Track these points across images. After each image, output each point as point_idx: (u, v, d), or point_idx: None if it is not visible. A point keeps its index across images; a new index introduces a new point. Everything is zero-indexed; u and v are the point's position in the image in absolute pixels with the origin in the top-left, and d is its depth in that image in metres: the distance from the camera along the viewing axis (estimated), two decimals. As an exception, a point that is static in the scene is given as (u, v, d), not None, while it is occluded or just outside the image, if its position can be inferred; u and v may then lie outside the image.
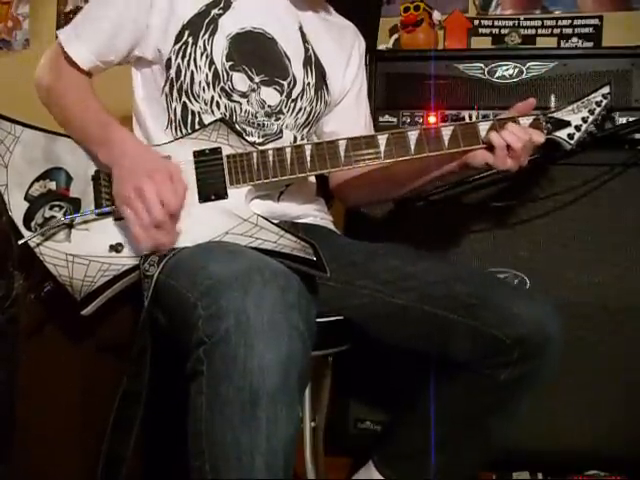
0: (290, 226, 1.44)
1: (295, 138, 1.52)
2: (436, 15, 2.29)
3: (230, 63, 1.42)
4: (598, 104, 1.41)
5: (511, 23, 2.32)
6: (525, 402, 1.37)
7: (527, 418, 1.56)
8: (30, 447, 1.39)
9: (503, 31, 2.32)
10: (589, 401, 1.77)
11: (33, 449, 1.40)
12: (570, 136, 1.40)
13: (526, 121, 1.37)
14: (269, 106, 1.46)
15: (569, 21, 2.28)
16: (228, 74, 1.42)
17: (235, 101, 1.43)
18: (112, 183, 1.30)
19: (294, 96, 1.49)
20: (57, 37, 1.45)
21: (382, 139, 1.35)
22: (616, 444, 1.77)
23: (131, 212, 1.25)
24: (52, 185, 1.36)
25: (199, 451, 1.03)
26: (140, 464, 1.46)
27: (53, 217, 1.33)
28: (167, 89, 1.45)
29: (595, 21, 2.25)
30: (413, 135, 1.35)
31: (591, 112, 1.40)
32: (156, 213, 1.23)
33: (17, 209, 1.34)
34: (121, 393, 1.21)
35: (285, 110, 1.48)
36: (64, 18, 2.60)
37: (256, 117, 1.45)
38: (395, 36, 2.31)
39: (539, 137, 1.35)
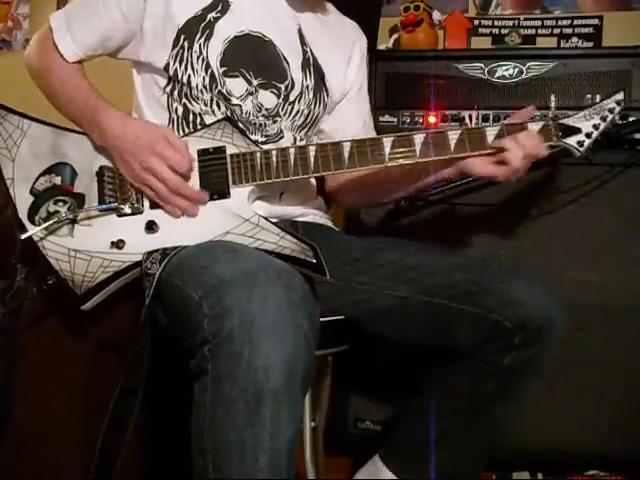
0: (290, 225, 1.44)
1: (295, 139, 1.52)
2: (436, 15, 2.29)
3: (224, 69, 1.42)
4: (611, 111, 1.37)
5: (511, 23, 2.32)
6: (528, 389, 1.37)
7: (527, 418, 1.57)
8: (29, 440, 1.39)
9: (503, 31, 2.32)
10: (589, 401, 1.77)
11: (32, 442, 1.40)
12: (580, 143, 1.36)
13: (535, 126, 1.34)
14: (266, 109, 1.46)
15: (569, 21, 2.28)
16: (223, 79, 1.42)
17: (234, 104, 1.43)
18: (115, 181, 1.34)
19: (292, 99, 1.48)
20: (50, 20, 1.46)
21: (387, 142, 1.34)
22: (616, 444, 1.77)
23: (152, 191, 1.31)
24: (57, 180, 1.37)
25: (202, 450, 1.03)
26: (141, 463, 1.46)
27: (57, 212, 1.33)
28: (169, 90, 1.45)
29: (595, 21, 2.26)
30: (419, 139, 1.33)
31: (603, 119, 1.37)
32: (171, 180, 1.29)
33: (22, 203, 1.35)
34: (118, 390, 1.21)
35: (282, 113, 1.48)
36: (64, 18, 2.60)
37: (257, 117, 1.45)
38: (395, 36, 2.31)
39: (541, 151, 1.31)
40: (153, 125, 1.39)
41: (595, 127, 1.37)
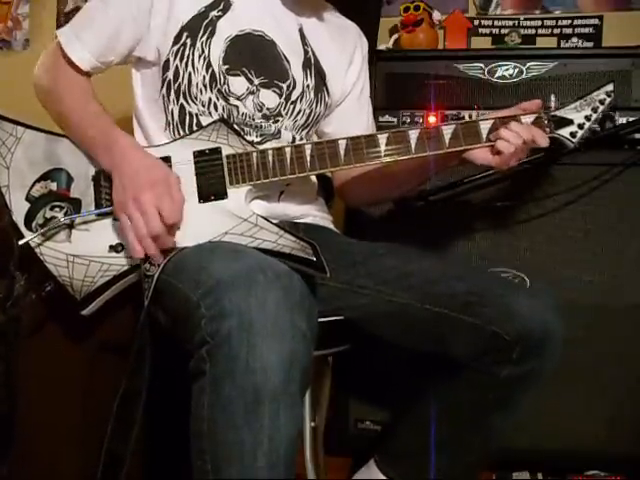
0: (290, 226, 1.44)
1: (294, 138, 1.52)
2: (436, 15, 2.29)
3: (226, 67, 1.42)
4: (602, 102, 1.39)
5: (511, 23, 2.32)
6: (526, 399, 1.36)
7: (527, 418, 1.57)
8: (30, 446, 1.39)
9: (503, 31, 2.32)
10: (589, 401, 1.77)
11: (33, 448, 1.40)
12: (573, 134, 1.38)
13: (528, 119, 1.36)
14: (267, 109, 1.46)
15: (569, 21, 2.28)
16: (225, 77, 1.42)
17: (232, 104, 1.43)
18: (112, 188, 1.31)
19: (293, 98, 1.49)
20: (56, 37, 1.44)
21: (382, 138, 1.35)
22: (616, 444, 1.76)
23: (127, 221, 1.26)
24: (53, 186, 1.36)
25: (201, 451, 1.03)
26: (141, 464, 1.46)
27: (54, 217, 1.33)
28: (164, 91, 1.45)
29: (595, 21, 2.26)
30: (414, 134, 1.35)
31: (594, 110, 1.39)
32: (154, 224, 1.24)
33: (18, 210, 1.34)
34: (121, 393, 1.21)
35: (284, 112, 1.48)
36: (64, 18, 2.60)
37: (253, 119, 1.45)
38: (395, 36, 2.31)
39: (542, 139, 1.34)
40: (165, 167, 1.34)
41: (587, 118, 1.39)
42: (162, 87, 1.45)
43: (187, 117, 1.44)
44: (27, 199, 1.35)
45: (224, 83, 1.42)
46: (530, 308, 1.28)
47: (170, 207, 1.26)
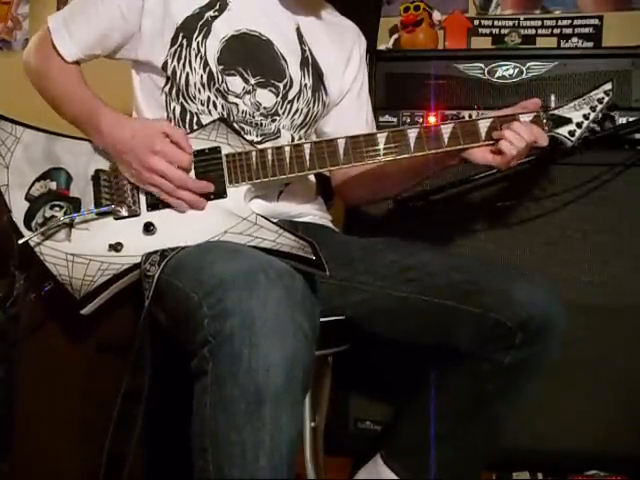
0: (289, 225, 1.44)
1: (293, 138, 1.52)
2: (436, 15, 2.30)
3: (222, 67, 1.43)
4: (600, 101, 1.40)
5: (511, 23, 2.33)
6: (529, 389, 1.36)
7: (527, 418, 1.57)
8: (30, 445, 1.39)
9: (503, 31, 2.33)
10: (589, 401, 1.77)
11: (33, 447, 1.40)
12: (571, 133, 1.39)
13: (527, 118, 1.36)
14: (264, 108, 1.46)
15: (569, 21, 2.29)
16: (222, 76, 1.43)
17: (231, 102, 1.44)
18: (118, 167, 1.35)
19: (290, 97, 1.49)
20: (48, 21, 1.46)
21: (381, 137, 1.35)
22: (616, 444, 1.76)
23: (156, 189, 1.32)
24: (52, 185, 1.36)
25: (203, 450, 1.03)
26: (142, 463, 1.46)
27: (53, 217, 1.33)
28: (167, 89, 1.45)
29: (595, 21, 2.26)
30: (413, 133, 1.35)
31: (593, 109, 1.39)
32: (174, 177, 1.30)
33: (18, 209, 1.34)
34: (122, 392, 1.21)
35: (281, 111, 1.48)
36: (64, 18, 2.60)
37: (253, 117, 1.45)
38: (395, 36, 2.32)
39: (544, 139, 1.34)
40: (149, 121, 1.41)
41: (585, 117, 1.39)
42: (165, 85, 1.45)
43: (188, 115, 1.44)
44: (26, 198, 1.35)
45: (222, 82, 1.42)
46: (530, 293, 1.29)
47: (177, 153, 1.32)
